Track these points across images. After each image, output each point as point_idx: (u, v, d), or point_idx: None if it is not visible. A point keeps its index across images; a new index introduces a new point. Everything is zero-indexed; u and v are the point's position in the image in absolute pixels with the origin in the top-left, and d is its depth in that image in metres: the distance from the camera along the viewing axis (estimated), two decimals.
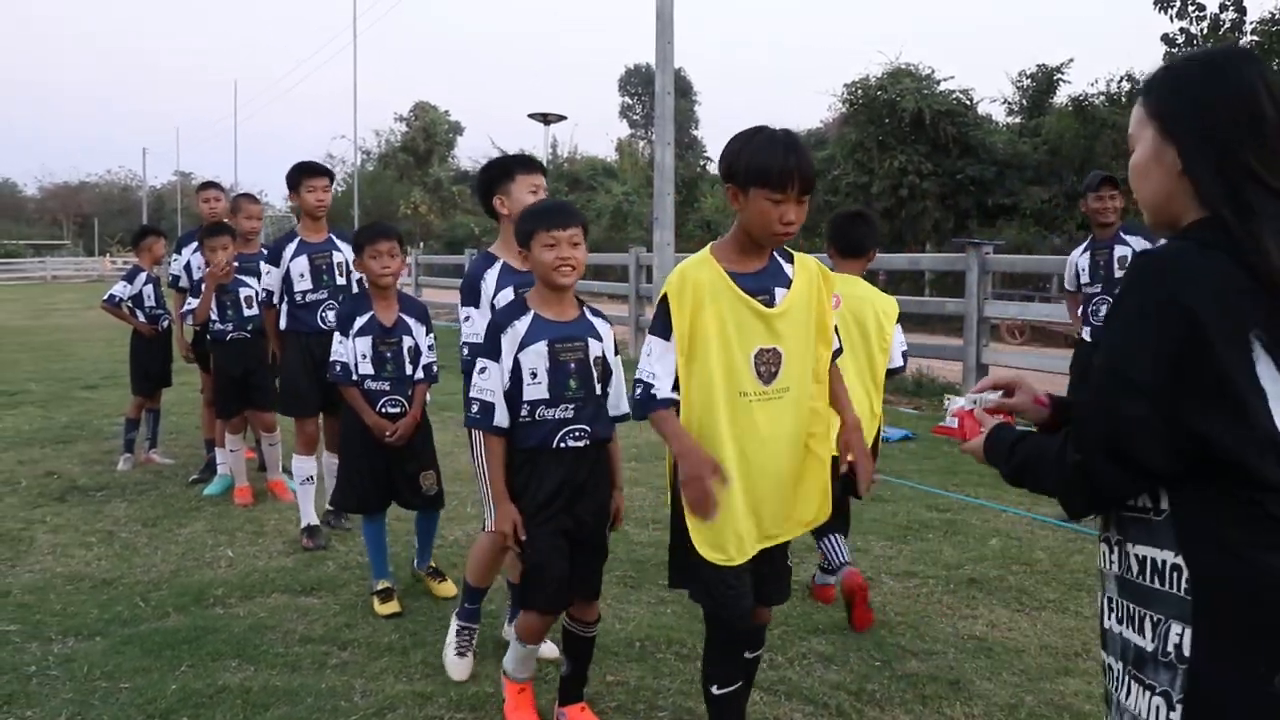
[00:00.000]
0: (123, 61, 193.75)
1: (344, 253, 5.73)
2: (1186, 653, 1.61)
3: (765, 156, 2.62)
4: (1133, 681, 1.73)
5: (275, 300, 5.76)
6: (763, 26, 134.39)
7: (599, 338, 3.25)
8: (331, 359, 4.58)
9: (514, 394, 3.14)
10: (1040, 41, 72.70)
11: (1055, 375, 7.83)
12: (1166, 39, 19.93)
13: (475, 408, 3.16)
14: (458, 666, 3.81)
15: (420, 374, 4.64)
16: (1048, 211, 22.20)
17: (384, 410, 4.52)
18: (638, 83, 53.59)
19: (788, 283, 2.79)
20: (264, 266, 5.87)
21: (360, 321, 4.55)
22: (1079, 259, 6.40)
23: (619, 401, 3.31)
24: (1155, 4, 19.65)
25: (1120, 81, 23.60)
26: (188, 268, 7.10)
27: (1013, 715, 3.52)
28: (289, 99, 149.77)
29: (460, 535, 5.56)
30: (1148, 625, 1.69)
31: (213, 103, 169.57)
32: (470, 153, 70.32)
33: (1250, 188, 1.64)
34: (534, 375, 3.12)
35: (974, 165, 23.16)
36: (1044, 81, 26.01)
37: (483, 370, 3.15)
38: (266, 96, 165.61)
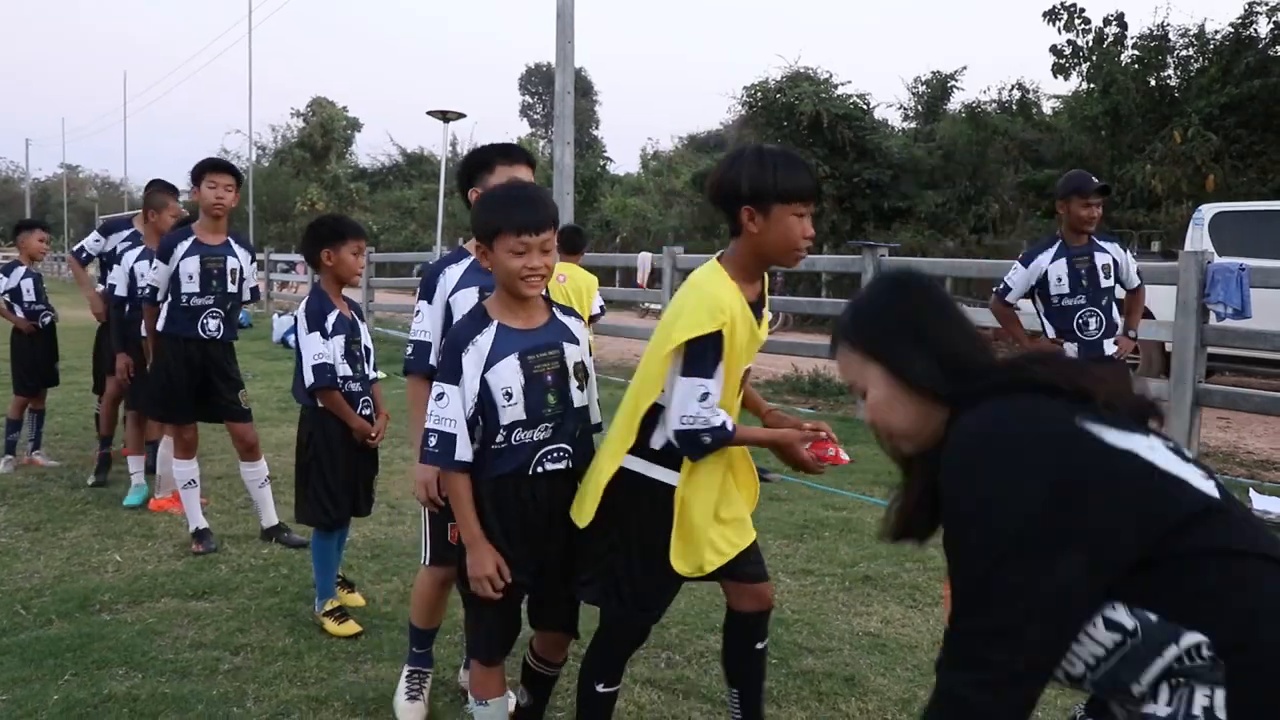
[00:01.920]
0: (3, 50, 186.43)
1: (239, 259, 5.50)
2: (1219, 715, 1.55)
3: (794, 172, 2.63)
4: None
5: (159, 297, 5.43)
6: (665, 27, 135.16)
7: (575, 341, 2.83)
8: (315, 362, 4.16)
9: (490, 419, 2.69)
10: (935, 50, 74.30)
11: None
12: (1055, 50, 20.67)
13: (433, 441, 2.66)
14: (409, 712, 3.48)
15: (376, 372, 4.52)
16: (942, 215, 22.79)
17: (361, 413, 4.29)
18: (538, 82, 53.51)
19: (765, 302, 2.87)
20: (154, 261, 5.53)
21: (331, 319, 4.24)
22: (1050, 266, 5.73)
23: (594, 410, 2.94)
24: (1045, 17, 20.35)
25: (1011, 89, 24.39)
26: (114, 253, 6.72)
27: (906, 709, 3.59)
28: (181, 92, 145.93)
29: (355, 536, 5.42)
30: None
31: (101, 94, 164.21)
32: (369, 149, 69.31)
33: (965, 363, 1.85)
34: (509, 395, 2.67)
35: (870, 169, 23.63)
36: (938, 88, 26.69)
37: (440, 396, 2.67)
38: (158, 89, 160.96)
